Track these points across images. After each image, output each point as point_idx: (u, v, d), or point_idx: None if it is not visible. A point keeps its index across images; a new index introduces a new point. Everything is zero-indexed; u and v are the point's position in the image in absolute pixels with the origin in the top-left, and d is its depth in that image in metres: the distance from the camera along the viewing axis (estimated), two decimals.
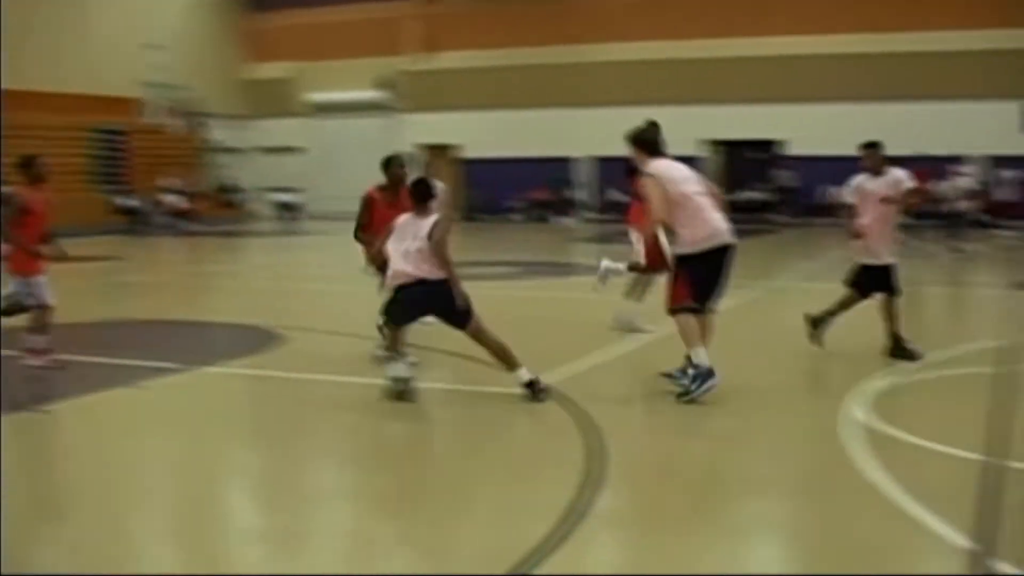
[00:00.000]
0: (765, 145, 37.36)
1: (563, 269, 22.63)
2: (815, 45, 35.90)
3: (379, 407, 8.92)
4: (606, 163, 36.62)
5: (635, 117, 10.41)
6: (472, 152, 40.88)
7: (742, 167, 37.55)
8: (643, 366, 10.85)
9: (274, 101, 44.73)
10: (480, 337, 9.26)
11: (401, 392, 9.04)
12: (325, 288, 19.13)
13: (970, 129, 32.50)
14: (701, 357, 9.01)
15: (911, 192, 11.09)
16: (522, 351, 9.30)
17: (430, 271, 9.10)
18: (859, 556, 5.64)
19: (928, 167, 26.69)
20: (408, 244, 9.19)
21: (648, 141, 9.56)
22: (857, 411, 8.56)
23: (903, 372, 10.15)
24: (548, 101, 39.59)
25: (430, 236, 9.13)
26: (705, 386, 8.91)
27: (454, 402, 9.43)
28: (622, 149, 9.57)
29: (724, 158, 38.13)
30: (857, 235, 10.96)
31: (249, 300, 17.52)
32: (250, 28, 45.73)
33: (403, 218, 9.43)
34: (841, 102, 34.74)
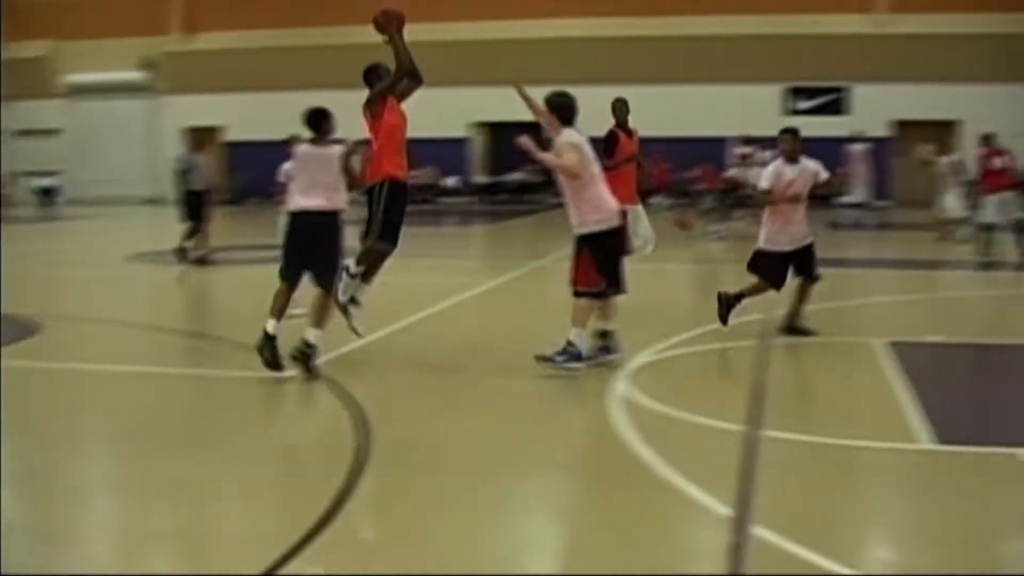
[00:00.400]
0: (531, 127, 37.72)
1: None
2: (580, 28, 36.49)
3: (144, 396, 8.72)
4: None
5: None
6: (236, 135, 40.12)
7: (510, 149, 37.78)
8: (409, 346, 10.88)
9: (30, 81, 42.95)
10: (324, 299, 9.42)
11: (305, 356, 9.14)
12: (84, 275, 18.56)
13: (732, 112, 33.60)
14: (581, 339, 9.24)
15: (826, 182, 11.28)
16: (297, 334, 9.25)
17: (335, 203, 9.44)
18: (623, 528, 5.79)
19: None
20: (314, 176, 9.45)
21: (565, 107, 9.67)
22: (623, 386, 8.76)
23: (667, 346, 10.40)
24: (314, 83, 39.04)
25: (345, 169, 9.48)
26: (570, 364, 9.14)
27: (226, 389, 9.27)
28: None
29: (492, 140, 38.42)
30: (796, 199, 10.99)
31: (5, 289, 16.86)
32: (4, 4, 43.88)
33: (303, 149, 9.65)
34: (605, 84, 35.25)
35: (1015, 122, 21.44)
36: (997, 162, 18.81)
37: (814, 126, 33.69)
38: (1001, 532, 5.92)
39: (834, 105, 35.06)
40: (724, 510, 5.82)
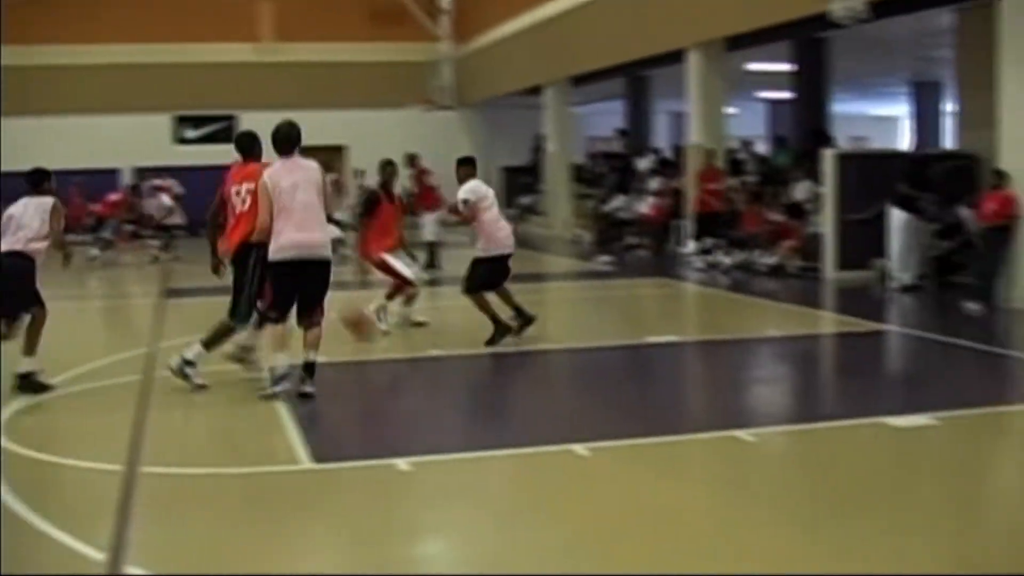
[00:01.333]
0: None
1: None
2: None
3: None
4: None
5: None
6: None
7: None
8: None
9: None
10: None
11: None
12: None
13: (129, 142, 33.13)
14: (278, 360, 9.44)
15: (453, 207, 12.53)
16: None
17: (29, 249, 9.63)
18: None
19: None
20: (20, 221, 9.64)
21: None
22: None
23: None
24: None
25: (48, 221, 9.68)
26: (279, 387, 9.34)
27: None
28: None
29: None
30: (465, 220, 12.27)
31: None
32: None
33: (20, 203, 9.79)
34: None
35: (401, 145, 22.50)
36: (432, 180, 20.64)
37: (204, 155, 33.90)
38: (388, 537, 6.19)
39: (224, 133, 35.10)
40: (99, 554, 5.66)
